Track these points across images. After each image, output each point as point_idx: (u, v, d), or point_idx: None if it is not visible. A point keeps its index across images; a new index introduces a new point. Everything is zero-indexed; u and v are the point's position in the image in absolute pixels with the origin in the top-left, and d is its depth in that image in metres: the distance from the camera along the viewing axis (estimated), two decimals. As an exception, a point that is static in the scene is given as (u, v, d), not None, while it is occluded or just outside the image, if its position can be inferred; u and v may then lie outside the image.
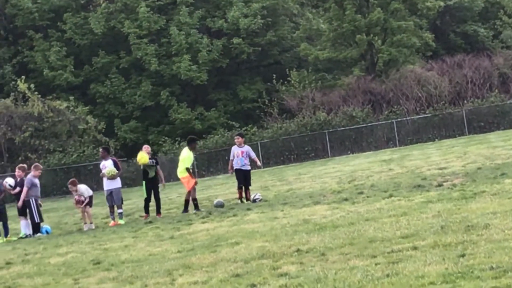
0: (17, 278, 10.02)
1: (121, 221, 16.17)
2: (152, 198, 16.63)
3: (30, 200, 16.02)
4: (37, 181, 16.45)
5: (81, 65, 44.49)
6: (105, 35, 44.20)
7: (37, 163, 17.91)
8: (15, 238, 15.89)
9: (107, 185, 16.46)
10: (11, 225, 16.80)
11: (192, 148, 16.88)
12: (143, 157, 16.46)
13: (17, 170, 16.92)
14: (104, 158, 16.92)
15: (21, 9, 44.09)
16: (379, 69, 41.66)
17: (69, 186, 17.08)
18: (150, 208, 16.74)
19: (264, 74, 45.31)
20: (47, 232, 16.27)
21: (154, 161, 16.74)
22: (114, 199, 16.33)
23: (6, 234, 16.11)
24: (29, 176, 16.45)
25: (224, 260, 9.16)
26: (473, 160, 19.20)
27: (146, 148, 17.21)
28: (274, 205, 14.98)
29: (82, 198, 16.48)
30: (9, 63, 43.87)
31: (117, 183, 16.51)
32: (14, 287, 9.42)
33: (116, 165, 16.67)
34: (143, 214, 16.83)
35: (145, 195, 16.69)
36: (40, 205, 16.55)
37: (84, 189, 16.72)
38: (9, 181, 16.77)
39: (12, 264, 11.50)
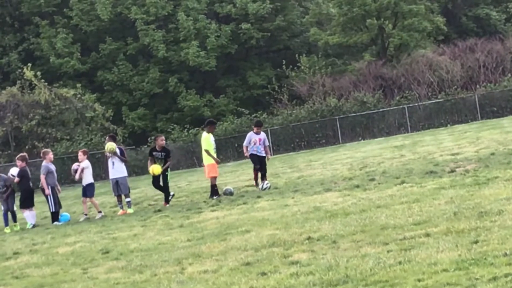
0: (25, 268, 9.95)
1: (130, 210, 15.98)
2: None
3: (47, 189, 15.84)
4: (52, 167, 16.26)
5: (88, 52, 44.26)
6: (112, 21, 43.91)
7: (45, 149, 17.70)
8: (8, 231, 15.59)
9: (113, 174, 16.20)
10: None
11: (210, 131, 16.55)
12: (156, 169, 16.12)
13: (17, 160, 16.69)
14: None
15: (26, -5, 43.90)
16: (390, 53, 41.37)
17: (80, 154, 16.88)
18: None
19: (274, 60, 45.00)
20: (66, 220, 15.99)
21: (163, 154, 16.36)
22: (120, 189, 16.11)
23: (6, 224, 15.88)
24: (43, 163, 16.33)
25: (234, 248, 9.08)
26: (486, 146, 19.03)
27: (161, 139, 16.83)
28: (285, 193, 14.88)
29: (76, 167, 16.39)
30: (15, 50, 43.65)
31: (123, 172, 16.26)
32: (22, 277, 9.34)
33: (122, 153, 16.44)
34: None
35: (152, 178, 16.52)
36: (59, 191, 16.38)
37: (86, 163, 16.46)
38: (13, 171, 16.62)
39: (20, 254, 11.43)
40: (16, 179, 16.39)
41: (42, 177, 15.99)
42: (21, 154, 17.08)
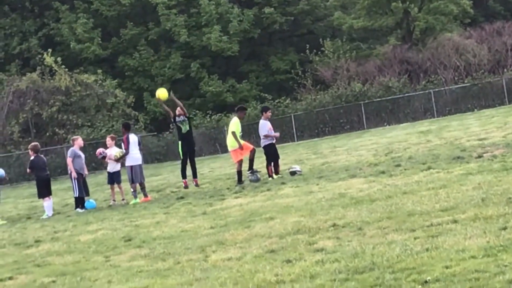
0: (46, 256, 9.91)
1: (135, 201, 15.73)
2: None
3: (71, 174, 15.84)
4: (80, 152, 16.21)
5: (108, 37, 44.22)
6: (133, 6, 43.80)
7: (75, 136, 17.68)
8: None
9: (129, 161, 16.02)
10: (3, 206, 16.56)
11: (240, 117, 16.51)
12: (162, 93, 15.99)
13: (29, 150, 16.63)
14: (123, 134, 16.47)
15: (46, -20, 43.95)
16: (415, 37, 40.92)
17: (108, 139, 16.81)
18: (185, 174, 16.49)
19: (297, 45, 44.66)
20: (91, 207, 15.93)
21: (184, 116, 16.24)
22: (140, 176, 15.97)
23: None
24: (72, 148, 16.37)
25: (258, 235, 8.99)
26: (514, 130, 18.72)
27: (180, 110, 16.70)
28: (309, 179, 14.75)
29: (101, 150, 16.54)
30: (35, 36, 43.69)
31: (138, 159, 16.09)
32: (44, 265, 9.30)
33: (139, 142, 16.28)
34: (182, 180, 16.55)
35: (181, 156, 16.44)
36: (86, 175, 16.37)
37: (116, 150, 16.40)
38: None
39: (41, 242, 11.40)
40: (28, 170, 16.39)
41: (69, 160, 16.01)
42: (32, 143, 16.94)
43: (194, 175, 16.48)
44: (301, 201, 11.54)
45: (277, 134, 17.25)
